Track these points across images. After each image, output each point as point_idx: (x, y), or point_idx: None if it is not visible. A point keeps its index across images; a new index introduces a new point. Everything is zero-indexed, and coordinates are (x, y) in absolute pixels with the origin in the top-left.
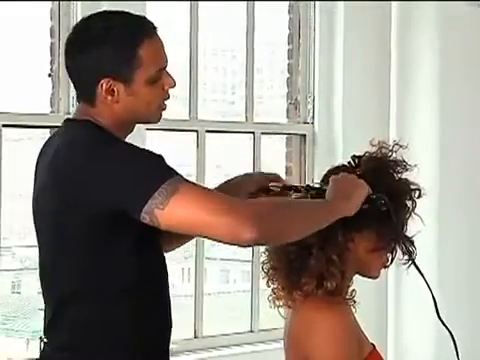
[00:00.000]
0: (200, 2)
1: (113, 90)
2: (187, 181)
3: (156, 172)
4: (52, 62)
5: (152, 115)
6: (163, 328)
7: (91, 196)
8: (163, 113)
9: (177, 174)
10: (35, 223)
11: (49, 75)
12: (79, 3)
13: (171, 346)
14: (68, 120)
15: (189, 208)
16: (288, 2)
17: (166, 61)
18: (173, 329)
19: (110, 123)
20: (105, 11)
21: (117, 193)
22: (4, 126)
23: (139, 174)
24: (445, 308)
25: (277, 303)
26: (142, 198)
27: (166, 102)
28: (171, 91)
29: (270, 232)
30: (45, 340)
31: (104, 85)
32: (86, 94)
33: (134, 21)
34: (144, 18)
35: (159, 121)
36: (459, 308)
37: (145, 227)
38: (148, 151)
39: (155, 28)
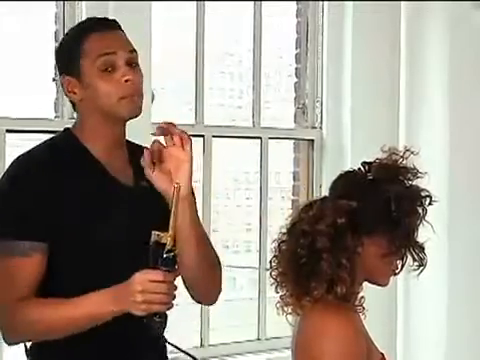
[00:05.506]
0: (207, 6)
1: (73, 89)
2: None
3: None
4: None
5: (116, 108)
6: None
7: None
8: (173, 119)
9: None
10: None
11: (53, 80)
12: (84, 6)
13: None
14: None
15: None
16: (296, 6)
17: (117, 49)
18: (176, 337)
19: (86, 126)
20: None
21: None
22: (7, 131)
23: None
24: (456, 315)
25: (285, 310)
26: None
27: (133, 95)
28: (177, 95)
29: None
30: None
31: (65, 84)
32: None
33: (89, 20)
34: (102, 18)
35: (132, 115)
36: (470, 314)
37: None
38: (7, 202)
39: (112, 26)
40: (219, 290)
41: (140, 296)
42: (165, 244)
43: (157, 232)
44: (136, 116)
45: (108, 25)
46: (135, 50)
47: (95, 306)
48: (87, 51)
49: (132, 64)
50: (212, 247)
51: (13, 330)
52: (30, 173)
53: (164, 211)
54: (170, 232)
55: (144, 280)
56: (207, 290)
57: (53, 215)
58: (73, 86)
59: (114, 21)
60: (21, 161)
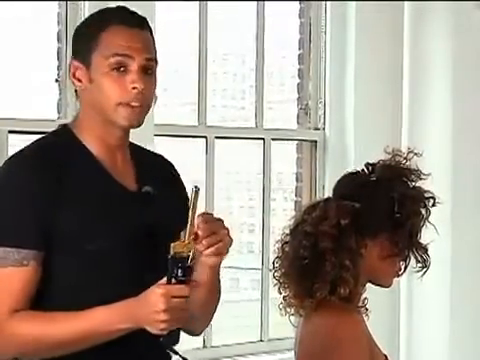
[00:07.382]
0: (209, 6)
1: (79, 77)
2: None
3: None
4: (59, 67)
5: (112, 113)
6: None
7: None
8: (175, 120)
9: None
10: None
11: (56, 80)
12: (87, 6)
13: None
14: None
15: None
16: (299, 6)
17: (135, 53)
18: (181, 339)
19: (85, 121)
20: None
21: None
22: (10, 132)
23: None
24: (459, 316)
25: (288, 311)
26: None
27: (135, 104)
28: (180, 96)
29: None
30: None
31: (72, 68)
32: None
33: (117, 9)
34: (131, 12)
35: (127, 124)
36: (473, 315)
37: None
38: (14, 207)
39: (138, 23)
40: (206, 327)
41: (164, 315)
42: (182, 254)
43: (175, 243)
44: (133, 127)
45: (134, 21)
46: (155, 59)
47: (105, 322)
48: (103, 44)
49: (147, 71)
50: (218, 299)
51: (5, 345)
52: (21, 175)
53: (168, 219)
54: (187, 240)
55: (167, 297)
56: (195, 330)
57: (47, 220)
58: (80, 73)
59: (142, 18)
60: (12, 163)
